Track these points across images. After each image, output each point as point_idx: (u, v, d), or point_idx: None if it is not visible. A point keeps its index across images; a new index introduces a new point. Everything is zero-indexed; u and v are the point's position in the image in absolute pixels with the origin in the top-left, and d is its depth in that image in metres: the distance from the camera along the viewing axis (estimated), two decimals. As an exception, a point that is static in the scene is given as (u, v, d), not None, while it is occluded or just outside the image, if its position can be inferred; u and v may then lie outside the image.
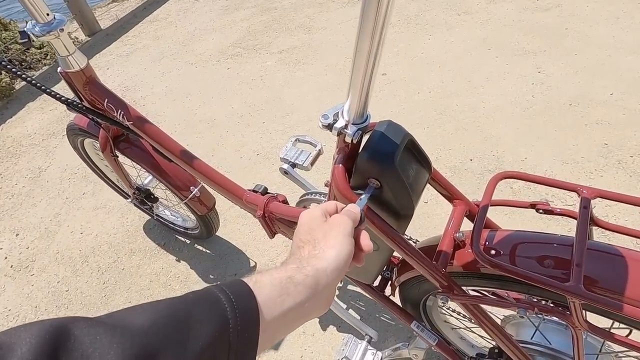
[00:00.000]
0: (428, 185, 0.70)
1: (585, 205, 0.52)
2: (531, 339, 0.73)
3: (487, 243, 0.63)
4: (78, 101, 0.98)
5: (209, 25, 3.12)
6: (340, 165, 0.59)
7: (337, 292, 1.32)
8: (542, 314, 0.55)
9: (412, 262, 0.61)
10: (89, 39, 3.09)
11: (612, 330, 0.56)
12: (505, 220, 1.42)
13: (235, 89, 2.38)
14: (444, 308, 0.92)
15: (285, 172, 1.07)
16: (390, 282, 0.91)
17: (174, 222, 1.55)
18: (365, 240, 0.43)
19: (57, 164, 2.06)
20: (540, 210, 0.62)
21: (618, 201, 0.54)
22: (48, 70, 2.80)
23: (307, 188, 1.09)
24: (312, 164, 1.06)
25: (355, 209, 0.45)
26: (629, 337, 0.52)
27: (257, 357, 0.32)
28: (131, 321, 0.26)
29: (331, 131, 0.55)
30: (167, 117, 2.26)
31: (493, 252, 0.62)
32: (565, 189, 0.55)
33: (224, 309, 0.30)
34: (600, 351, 0.66)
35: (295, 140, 1.11)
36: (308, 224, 0.41)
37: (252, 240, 1.53)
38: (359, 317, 1.23)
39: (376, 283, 0.93)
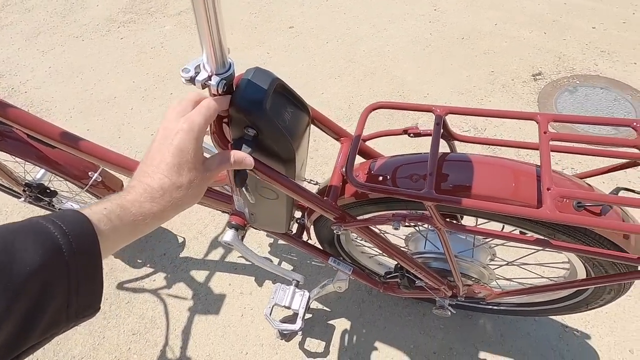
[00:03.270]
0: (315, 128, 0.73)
1: (438, 122, 0.58)
2: (424, 249, 0.84)
3: (371, 172, 0.69)
4: None
5: (89, -11, 2.72)
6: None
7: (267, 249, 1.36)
8: (413, 223, 0.62)
9: (304, 201, 0.64)
10: None
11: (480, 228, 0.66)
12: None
13: (134, 60, 2.16)
14: (357, 240, 1.00)
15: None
16: (305, 228, 0.96)
17: (86, 213, 1.44)
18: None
19: None
20: (412, 135, 0.69)
21: (466, 114, 0.61)
22: None
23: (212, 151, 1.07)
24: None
25: (212, 103, 0.49)
26: (486, 227, 0.61)
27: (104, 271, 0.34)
28: None
29: (195, 85, 0.53)
30: (57, 102, 2.00)
31: (380, 178, 0.67)
32: (423, 111, 0.61)
33: (52, 235, 0.30)
34: (474, 246, 0.78)
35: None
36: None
37: (177, 217, 1.48)
38: (291, 268, 1.29)
39: (295, 231, 0.98)
